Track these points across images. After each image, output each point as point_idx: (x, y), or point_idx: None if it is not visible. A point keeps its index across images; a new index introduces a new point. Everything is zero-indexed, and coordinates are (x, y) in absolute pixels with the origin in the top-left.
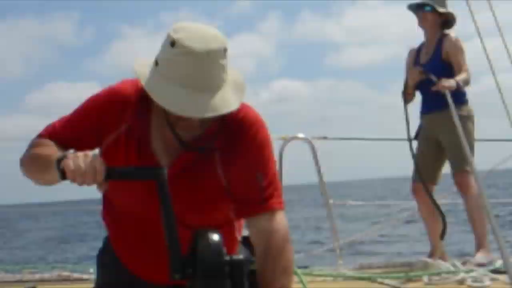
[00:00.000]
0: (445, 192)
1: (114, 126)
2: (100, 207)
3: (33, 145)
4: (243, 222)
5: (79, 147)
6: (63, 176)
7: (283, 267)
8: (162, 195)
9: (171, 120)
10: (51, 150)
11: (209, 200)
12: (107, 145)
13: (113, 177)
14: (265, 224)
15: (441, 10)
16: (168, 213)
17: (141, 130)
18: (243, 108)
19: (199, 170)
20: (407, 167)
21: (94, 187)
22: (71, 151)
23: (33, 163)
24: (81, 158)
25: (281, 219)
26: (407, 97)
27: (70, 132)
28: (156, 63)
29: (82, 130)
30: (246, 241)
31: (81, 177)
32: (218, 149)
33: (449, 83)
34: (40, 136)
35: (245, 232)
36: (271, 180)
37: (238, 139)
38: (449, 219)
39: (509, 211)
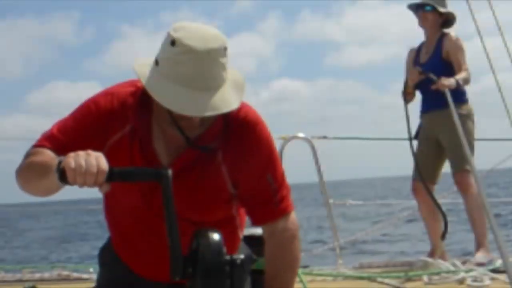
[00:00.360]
0: (445, 192)
1: (116, 128)
2: (100, 207)
3: (29, 154)
4: (245, 219)
5: (81, 147)
6: (63, 177)
7: (289, 262)
8: (165, 197)
9: (175, 119)
10: (49, 156)
11: (212, 198)
12: (110, 147)
13: (116, 178)
14: (280, 225)
15: (441, 10)
16: (170, 215)
17: (143, 130)
18: (243, 107)
19: (201, 169)
20: (408, 166)
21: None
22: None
23: (29, 170)
24: (82, 157)
25: (293, 219)
26: (407, 96)
27: (73, 137)
28: (156, 62)
29: (83, 134)
30: (248, 240)
31: (82, 177)
32: (221, 149)
33: (448, 81)
34: (36, 146)
35: (246, 231)
36: (281, 181)
37: (242, 140)
38: (450, 218)
39: (511, 210)
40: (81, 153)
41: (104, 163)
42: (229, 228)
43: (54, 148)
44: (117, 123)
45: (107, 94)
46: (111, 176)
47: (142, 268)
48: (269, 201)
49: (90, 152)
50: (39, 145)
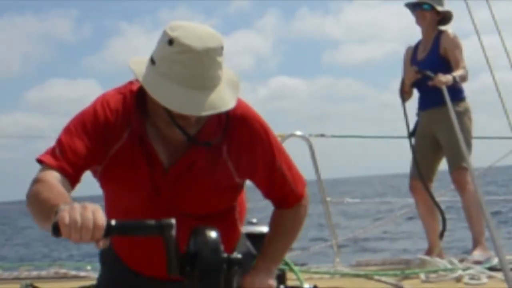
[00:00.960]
0: (443, 190)
1: (115, 137)
2: (100, 204)
3: (38, 180)
4: (244, 212)
5: (88, 164)
6: (56, 231)
7: (296, 227)
8: (168, 249)
9: (174, 118)
10: (55, 191)
11: (218, 193)
12: (112, 156)
13: (114, 232)
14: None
15: (439, 8)
16: (173, 266)
17: (142, 133)
18: (238, 103)
19: (207, 165)
20: (406, 164)
21: (93, 186)
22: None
23: (34, 206)
24: (78, 210)
25: (306, 193)
26: (404, 95)
27: (80, 151)
28: (153, 61)
29: (87, 147)
30: (248, 238)
31: (77, 233)
32: (225, 144)
33: (445, 78)
34: (44, 162)
35: (246, 229)
36: (289, 164)
37: (244, 135)
38: (450, 216)
39: (511, 208)
40: (77, 207)
41: (101, 218)
42: (229, 221)
43: (63, 167)
44: (115, 132)
45: (100, 104)
46: (109, 231)
47: (142, 267)
48: (288, 189)
49: (86, 205)
50: (45, 162)
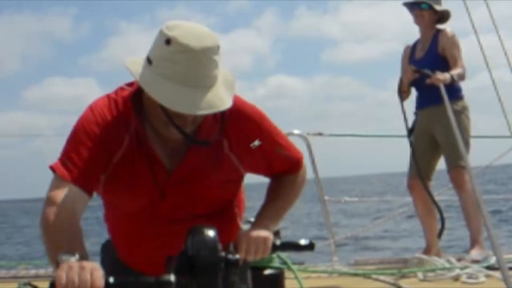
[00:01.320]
0: (442, 188)
1: (114, 147)
2: (98, 203)
3: (51, 201)
4: (243, 206)
5: (98, 171)
6: None
7: (296, 191)
8: None
9: (172, 118)
10: (64, 222)
11: (221, 189)
12: (113, 166)
13: None
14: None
15: (437, 8)
16: None
17: (141, 134)
18: (234, 99)
19: (210, 164)
20: (403, 163)
21: None
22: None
23: (43, 236)
24: (75, 271)
25: (304, 165)
26: (403, 94)
27: (90, 158)
28: (149, 61)
29: (94, 153)
30: None
31: None
32: (224, 140)
33: (443, 76)
34: (57, 175)
35: (245, 228)
36: (286, 144)
37: (241, 128)
38: (450, 215)
39: (511, 206)
40: (75, 266)
41: (99, 278)
42: (229, 215)
43: (77, 178)
44: (117, 136)
45: (96, 111)
46: None
47: (142, 266)
48: (287, 165)
49: (84, 264)
50: (60, 175)
